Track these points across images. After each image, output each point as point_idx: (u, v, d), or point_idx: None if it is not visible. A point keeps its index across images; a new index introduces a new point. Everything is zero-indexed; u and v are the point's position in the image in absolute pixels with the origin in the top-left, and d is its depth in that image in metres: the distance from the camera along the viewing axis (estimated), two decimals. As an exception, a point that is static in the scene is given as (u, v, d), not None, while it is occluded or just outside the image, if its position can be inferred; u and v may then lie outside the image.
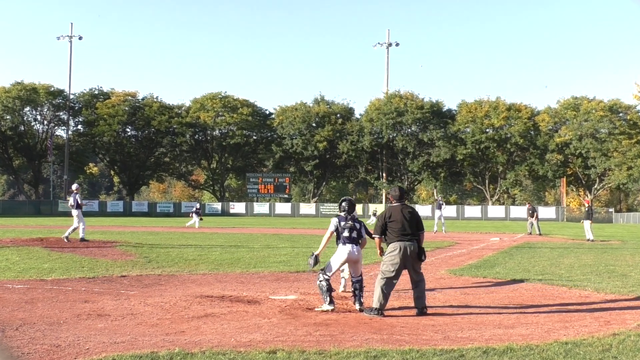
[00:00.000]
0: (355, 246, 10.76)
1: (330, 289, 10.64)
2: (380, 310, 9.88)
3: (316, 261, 10.89)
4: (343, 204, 11.08)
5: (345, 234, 10.79)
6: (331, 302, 10.63)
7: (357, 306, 10.55)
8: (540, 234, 36.69)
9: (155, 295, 11.79)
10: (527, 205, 41.23)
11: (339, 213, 11.13)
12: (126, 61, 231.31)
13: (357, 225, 10.89)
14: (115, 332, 8.38)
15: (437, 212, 37.96)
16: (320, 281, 10.75)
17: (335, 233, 10.91)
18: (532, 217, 37.57)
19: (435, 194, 40.00)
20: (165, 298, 11.38)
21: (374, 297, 10.14)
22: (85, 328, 8.65)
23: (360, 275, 10.84)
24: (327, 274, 10.75)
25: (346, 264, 11.02)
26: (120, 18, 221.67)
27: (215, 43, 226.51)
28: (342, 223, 10.88)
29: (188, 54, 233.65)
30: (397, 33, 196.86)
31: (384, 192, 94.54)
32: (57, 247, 21.71)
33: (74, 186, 25.20)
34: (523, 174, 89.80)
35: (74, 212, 24.21)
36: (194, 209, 44.78)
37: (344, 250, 10.78)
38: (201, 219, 43.96)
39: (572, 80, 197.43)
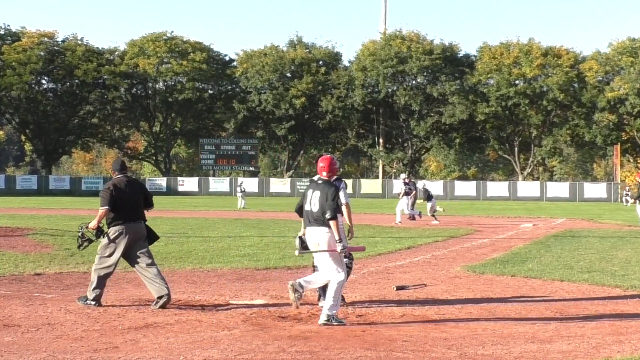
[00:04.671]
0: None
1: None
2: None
3: (302, 243, 10.70)
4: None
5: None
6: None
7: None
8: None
9: (79, 299, 11.71)
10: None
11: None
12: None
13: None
14: (27, 348, 8.31)
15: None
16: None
17: None
18: (424, 200, 34.49)
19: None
20: (93, 303, 11.31)
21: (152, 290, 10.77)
22: (-14, 343, 8.59)
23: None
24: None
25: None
26: None
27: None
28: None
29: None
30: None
31: (380, 164, 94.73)
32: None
33: None
34: (564, 140, 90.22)
35: None
36: (241, 189, 49.77)
37: None
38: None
39: (628, 16, 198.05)
